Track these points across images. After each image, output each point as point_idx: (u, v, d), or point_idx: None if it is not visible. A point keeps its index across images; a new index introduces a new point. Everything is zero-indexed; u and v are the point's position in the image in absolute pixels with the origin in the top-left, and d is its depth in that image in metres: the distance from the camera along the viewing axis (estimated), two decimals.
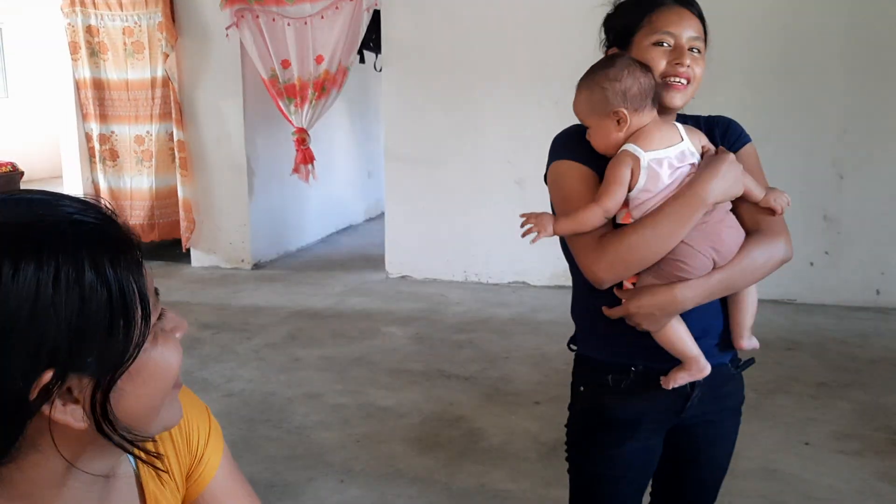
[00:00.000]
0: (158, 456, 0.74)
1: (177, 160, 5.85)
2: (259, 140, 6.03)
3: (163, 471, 0.78)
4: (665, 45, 1.45)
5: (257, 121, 5.96)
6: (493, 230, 5.55)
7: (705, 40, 1.50)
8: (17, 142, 10.42)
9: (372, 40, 5.87)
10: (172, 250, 6.39)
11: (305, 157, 5.65)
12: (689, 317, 1.45)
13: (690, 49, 1.45)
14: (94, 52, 5.83)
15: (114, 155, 6.03)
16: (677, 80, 1.44)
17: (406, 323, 4.73)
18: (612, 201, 1.40)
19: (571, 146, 1.55)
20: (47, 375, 0.65)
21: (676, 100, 1.46)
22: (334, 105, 5.87)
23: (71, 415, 0.67)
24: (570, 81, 5.72)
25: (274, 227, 6.30)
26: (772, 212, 1.48)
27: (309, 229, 6.94)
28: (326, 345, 4.32)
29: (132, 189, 6.04)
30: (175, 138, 5.83)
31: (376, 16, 5.49)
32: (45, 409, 0.66)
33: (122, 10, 5.64)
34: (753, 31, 4.91)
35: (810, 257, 5.04)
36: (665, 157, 1.40)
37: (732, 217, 1.46)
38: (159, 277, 5.74)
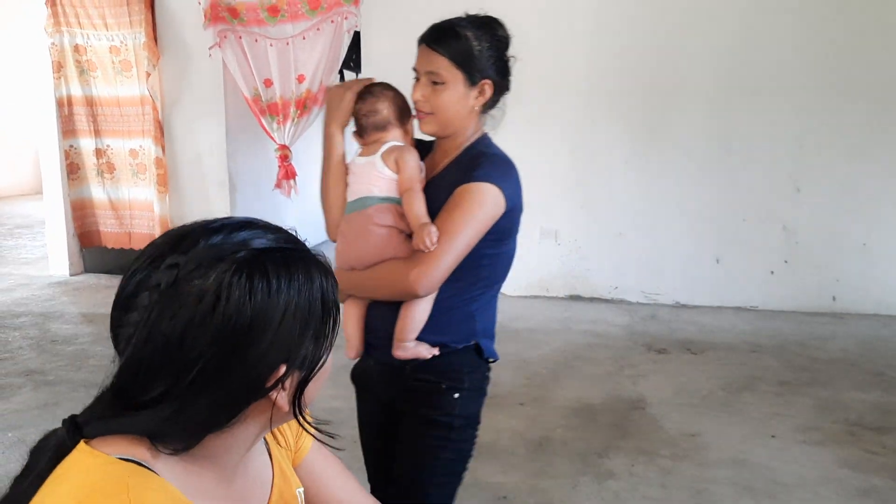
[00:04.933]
0: (332, 436, 0.93)
1: (154, 177, 5.97)
2: (240, 157, 6.17)
3: (329, 446, 0.96)
4: (414, 78, 1.71)
5: (239, 138, 6.10)
6: None
7: (468, 72, 1.65)
8: None
9: (353, 60, 6.06)
10: None
11: (288, 173, 5.79)
12: (379, 316, 1.70)
13: (434, 83, 1.65)
14: (83, 70, 5.93)
15: (111, 168, 6.14)
16: (417, 111, 1.70)
17: None
18: None
19: None
20: (282, 368, 0.84)
21: (421, 127, 1.71)
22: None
23: (281, 399, 0.86)
24: (544, 102, 6.12)
25: None
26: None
27: None
28: None
29: (130, 200, 6.16)
30: (154, 155, 5.94)
31: (357, 37, 5.68)
32: (272, 393, 0.84)
33: (107, 31, 5.75)
34: (715, 51, 5.22)
35: (771, 266, 5.33)
36: (357, 163, 1.74)
37: (384, 232, 1.65)
38: None
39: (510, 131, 6.51)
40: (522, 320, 5.12)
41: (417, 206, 1.62)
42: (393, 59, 6.11)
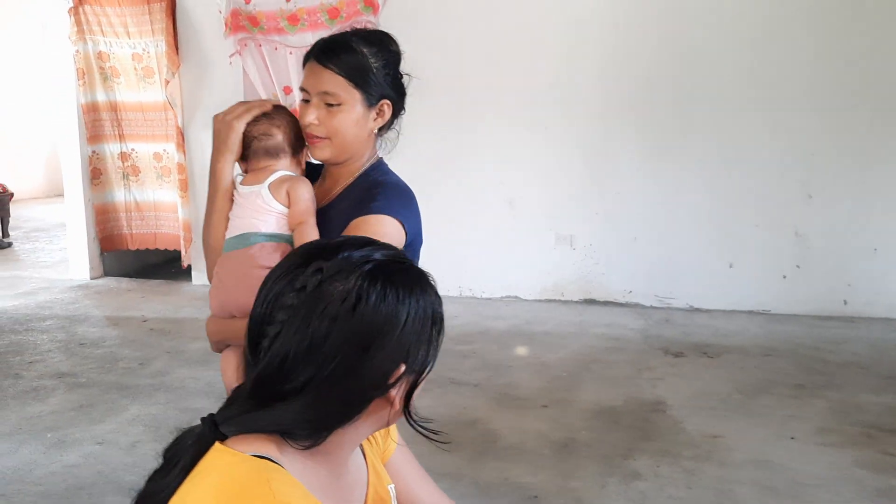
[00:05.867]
0: (437, 432, 1.01)
1: (177, 181, 6.07)
2: None
3: (440, 442, 1.02)
4: (303, 100, 1.54)
5: None
6: (485, 247, 5.85)
7: (361, 92, 1.52)
8: (7, 165, 10.45)
9: None
10: (170, 268, 6.59)
11: None
12: None
13: (329, 105, 1.50)
14: (107, 77, 6.05)
15: (136, 171, 6.28)
16: (309, 135, 1.53)
17: None
18: None
19: None
20: (402, 368, 0.93)
21: (315, 154, 1.55)
22: None
23: (398, 398, 0.95)
24: (558, 106, 6.20)
25: None
26: None
27: None
28: None
29: (155, 201, 6.31)
30: (176, 160, 6.05)
31: None
32: (392, 391, 0.93)
33: (129, 38, 5.87)
34: (729, 57, 5.31)
35: (783, 271, 5.42)
36: (240, 192, 1.55)
37: (264, 276, 1.50)
38: (162, 295, 5.96)
39: (526, 137, 6.64)
40: (538, 324, 5.21)
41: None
42: (411, 69, 6.22)
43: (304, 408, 0.90)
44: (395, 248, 1.00)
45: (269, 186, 1.50)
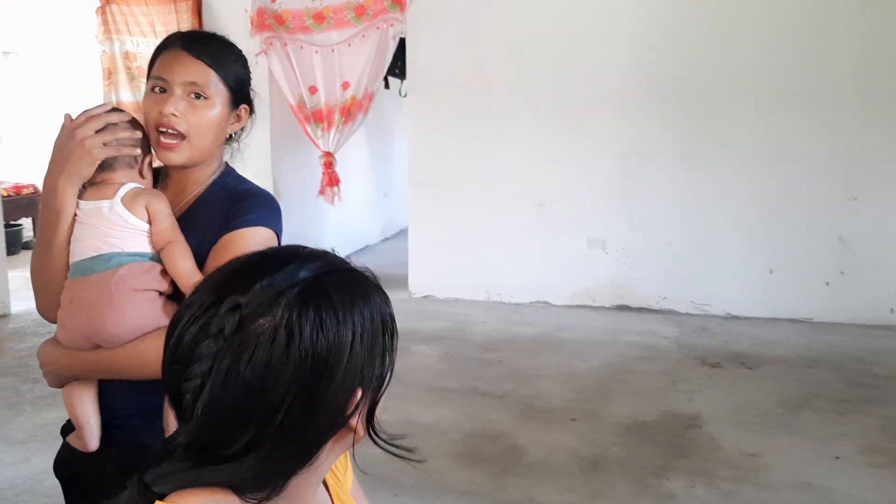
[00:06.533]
0: (410, 450, 0.88)
1: None
2: (285, 163, 6.18)
3: (415, 460, 0.92)
4: (157, 91, 1.38)
5: (283, 145, 6.11)
6: (514, 251, 5.69)
7: (235, 91, 1.42)
8: (39, 166, 10.58)
9: (397, 67, 6.04)
10: None
11: (332, 180, 5.79)
12: (121, 391, 1.36)
13: (194, 96, 1.37)
14: (134, 77, 6.03)
15: None
16: (165, 135, 1.36)
17: (434, 342, 4.85)
18: None
19: None
20: (358, 393, 0.81)
21: (168, 158, 1.38)
22: None
23: (360, 424, 0.82)
24: (589, 105, 6.00)
25: None
26: None
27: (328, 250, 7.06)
28: None
29: None
30: None
31: (402, 43, 5.66)
32: (353, 420, 0.81)
33: (156, 38, 5.82)
34: (768, 53, 5.09)
35: (826, 277, 5.18)
36: (82, 208, 1.35)
37: (147, 297, 1.32)
38: None
39: (556, 136, 6.47)
40: (568, 330, 5.05)
41: (186, 262, 1.32)
42: (438, 66, 6.15)
43: (256, 463, 0.77)
44: (320, 252, 0.86)
45: (122, 201, 1.33)
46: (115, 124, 1.33)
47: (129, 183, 1.35)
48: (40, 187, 6.77)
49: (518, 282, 5.72)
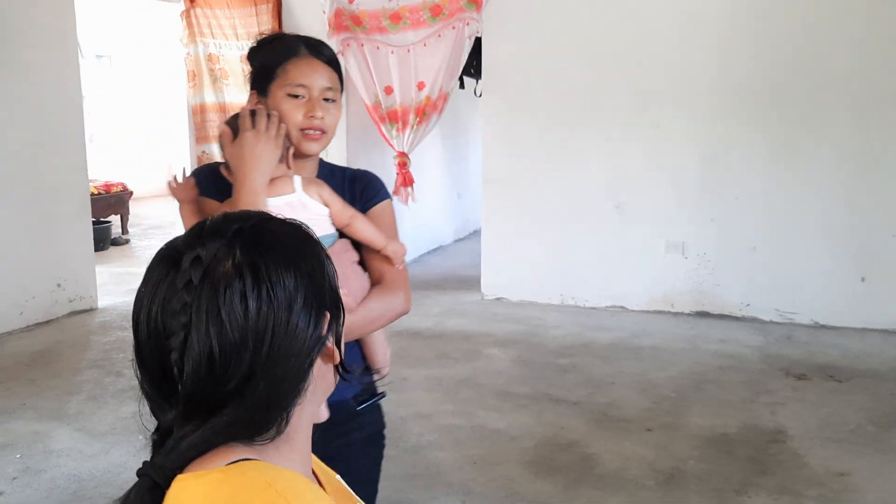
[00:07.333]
0: (383, 395, 0.92)
1: None
2: (359, 164, 6.20)
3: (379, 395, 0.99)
4: (299, 97, 1.51)
5: (358, 145, 6.15)
6: (590, 254, 5.57)
7: (341, 87, 1.58)
8: (128, 164, 10.99)
9: (473, 66, 6.00)
10: None
11: (406, 180, 5.80)
12: None
13: (326, 99, 1.53)
14: (216, 79, 6.18)
15: None
16: (312, 131, 1.52)
17: (506, 345, 4.79)
18: None
19: (205, 184, 1.57)
20: (328, 315, 0.85)
21: (313, 148, 1.55)
22: None
23: (333, 347, 0.86)
24: (669, 105, 5.83)
25: None
26: (391, 262, 1.57)
27: None
28: (431, 365, 4.42)
29: None
30: None
31: (478, 42, 5.62)
32: (329, 342, 0.85)
33: (237, 40, 5.95)
34: (862, 49, 4.83)
35: None
36: (272, 205, 1.43)
37: (359, 268, 1.56)
38: None
39: (635, 137, 6.32)
40: (646, 336, 4.91)
41: (371, 228, 1.56)
42: (513, 66, 6.08)
43: (257, 398, 0.78)
44: (247, 210, 0.91)
45: (306, 191, 1.50)
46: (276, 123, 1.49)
47: (294, 175, 1.51)
48: (129, 186, 6.97)
49: (593, 285, 5.60)
